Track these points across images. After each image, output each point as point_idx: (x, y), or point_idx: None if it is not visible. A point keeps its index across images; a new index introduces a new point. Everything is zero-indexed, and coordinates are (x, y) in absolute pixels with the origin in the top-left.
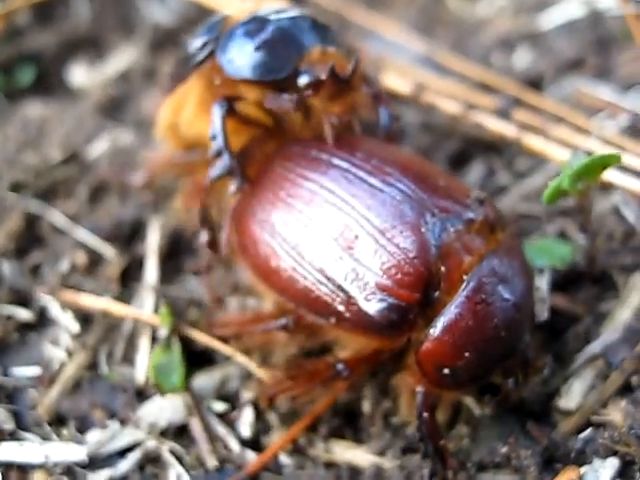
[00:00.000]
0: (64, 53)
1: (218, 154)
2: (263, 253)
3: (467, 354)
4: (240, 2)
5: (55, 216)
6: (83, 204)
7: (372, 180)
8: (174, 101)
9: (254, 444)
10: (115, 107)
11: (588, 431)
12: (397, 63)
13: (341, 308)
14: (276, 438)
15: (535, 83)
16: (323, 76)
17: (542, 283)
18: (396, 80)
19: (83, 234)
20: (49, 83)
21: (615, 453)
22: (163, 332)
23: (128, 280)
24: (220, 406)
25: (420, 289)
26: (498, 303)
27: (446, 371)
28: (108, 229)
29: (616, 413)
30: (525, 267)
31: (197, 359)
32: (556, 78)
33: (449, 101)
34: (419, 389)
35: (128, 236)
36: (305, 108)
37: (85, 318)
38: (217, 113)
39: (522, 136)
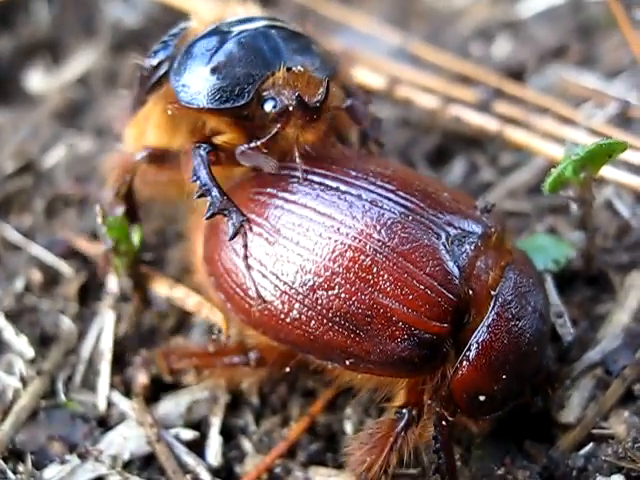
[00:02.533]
0: (22, 58)
1: (205, 193)
2: (254, 297)
3: (504, 376)
4: (205, 2)
5: (8, 231)
6: (39, 217)
7: (376, 199)
8: (136, 125)
9: (227, 474)
10: (74, 113)
11: (589, 446)
12: (370, 57)
13: (359, 350)
14: (250, 467)
15: (516, 73)
16: (290, 103)
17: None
18: (369, 75)
19: (38, 250)
20: (5, 89)
21: (620, 470)
22: None
23: (88, 299)
24: (188, 434)
25: (451, 319)
26: (528, 316)
27: (482, 398)
28: (66, 244)
29: (619, 425)
30: (538, 274)
31: (163, 384)
32: (538, 67)
33: (426, 95)
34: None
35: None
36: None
37: (42, 341)
38: (199, 159)
39: (504, 129)
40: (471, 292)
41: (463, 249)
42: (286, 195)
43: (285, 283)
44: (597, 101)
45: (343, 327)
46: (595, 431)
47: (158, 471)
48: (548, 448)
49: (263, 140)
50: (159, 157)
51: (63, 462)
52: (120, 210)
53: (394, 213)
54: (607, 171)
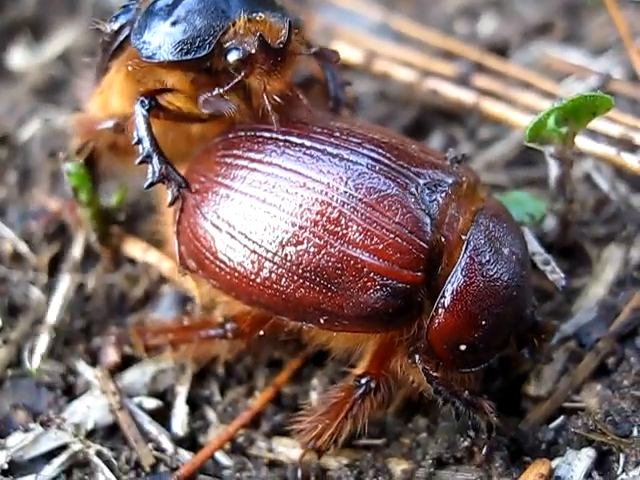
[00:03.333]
0: (6, 36)
1: (146, 160)
2: (224, 259)
3: (483, 322)
4: None
5: None
6: (12, 190)
7: (342, 153)
8: (101, 93)
9: (191, 443)
10: (53, 89)
11: (560, 419)
12: (350, 32)
13: (333, 305)
14: (214, 437)
15: (500, 50)
16: (252, 49)
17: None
18: (348, 49)
19: (10, 222)
20: None
21: (590, 443)
22: None
23: (59, 270)
24: (152, 403)
25: (424, 266)
26: (503, 260)
27: (463, 347)
28: (38, 215)
29: (590, 398)
30: (514, 222)
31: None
32: (522, 44)
33: (404, 69)
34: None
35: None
36: (240, 88)
37: (10, 312)
38: (139, 112)
39: (481, 102)
40: (443, 239)
41: (433, 197)
42: (251, 155)
43: (254, 242)
44: (579, 75)
45: (314, 282)
46: (566, 404)
47: (121, 440)
48: (518, 421)
49: (227, 88)
50: (123, 128)
51: (27, 430)
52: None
53: (360, 165)
54: (587, 144)
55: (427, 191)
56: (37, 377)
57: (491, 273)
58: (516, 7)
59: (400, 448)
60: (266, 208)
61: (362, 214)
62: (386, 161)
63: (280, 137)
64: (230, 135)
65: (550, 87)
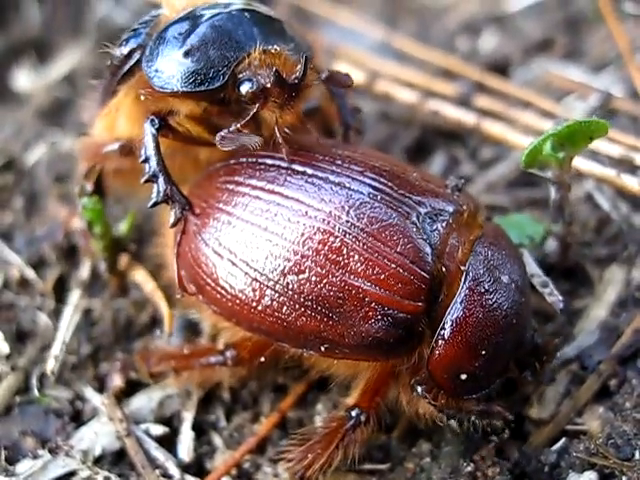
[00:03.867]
0: (11, 57)
1: (152, 179)
2: (225, 285)
3: (483, 352)
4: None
5: None
6: (18, 215)
7: (344, 181)
8: (107, 116)
9: (197, 469)
10: (58, 111)
11: (562, 442)
12: (352, 52)
13: (334, 334)
14: (220, 462)
15: (501, 67)
16: (267, 82)
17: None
18: (350, 69)
19: (17, 248)
20: None
21: (593, 466)
22: None
23: (66, 295)
24: (158, 429)
25: (425, 296)
26: (502, 288)
27: (463, 377)
28: (45, 241)
29: (593, 421)
30: (513, 246)
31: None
32: (524, 61)
33: (405, 89)
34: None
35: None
36: (252, 119)
37: (18, 338)
38: (148, 131)
39: (482, 123)
40: (444, 269)
41: (434, 227)
42: (253, 182)
43: (255, 270)
44: (580, 93)
45: (316, 311)
46: (569, 427)
47: (129, 466)
48: (521, 444)
49: (242, 122)
50: (130, 149)
51: (35, 457)
52: (88, 188)
53: (362, 194)
54: (587, 165)
55: (428, 220)
56: (45, 403)
57: (490, 303)
58: (517, 22)
59: (404, 473)
60: (268, 236)
61: (364, 244)
62: (388, 190)
63: (282, 165)
64: (232, 161)
65: (550, 106)
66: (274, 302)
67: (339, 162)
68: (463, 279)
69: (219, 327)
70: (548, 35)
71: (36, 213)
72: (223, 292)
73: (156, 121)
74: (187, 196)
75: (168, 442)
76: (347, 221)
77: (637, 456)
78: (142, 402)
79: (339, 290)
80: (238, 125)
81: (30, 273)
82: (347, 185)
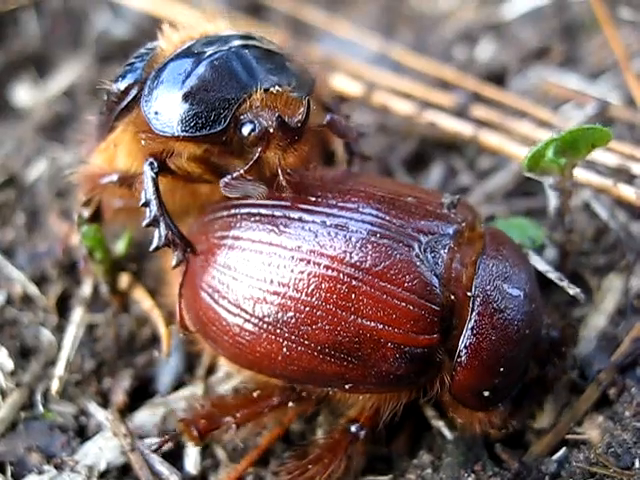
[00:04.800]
0: (10, 72)
1: (153, 224)
2: (241, 341)
3: (502, 369)
4: (191, 13)
5: None
6: (20, 231)
7: (340, 222)
8: (105, 151)
9: None
10: (58, 126)
11: (562, 451)
12: (349, 63)
13: (356, 375)
14: (223, 475)
15: (498, 76)
16: (270, 126)
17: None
18: (347, 81)
19: (19, 264)
20: None
21: (593, 475)
22: None
23: (68, 310)
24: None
25: (438, 328)
26: (511, 302)
27: (486, 394)
28: (47, 257)
29: (593, 430)
30: (515, 250)
31: (140, 393)
32: (521, 69)
33: (402, 101)
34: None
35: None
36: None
37: (22, 354)
38: (148, 175)
39: (479, 134)
40: (453, 297)
41: (438, 255)
42: (251, 235)
43: (269, 324)
44: (577, 102)
45: (334, 357)
46: (569, 436)
47: None
48: (521, 454)
49: (246, 168)
50: (130, 181)
51: (41, 472)
52: (86, 214)
53: (361, 233)
54: (584, 174)
55: (430, 249)
56: (50, 419)
57: (501, 322)
58: (514, 31)
59: None
60: (275, 289)
61: (371, 286)
62: (386, 224)
63: (277, 214)
64: (225, 213)
65: (547, 116)
66: (292, 352)
67: (333, 202)
68: (471, 305)
69: (241, 374)
70: (545, 43)
71: (38, 229)
72: (241, 347)
73: (155, 164)
74: (188, 238)
75: (172, 456)
76: (351, 265)
77: (637, 465)
78: (146, 417)
79: (354, 335)
80: (242, 171)
81: (33, 289)
82: (345, 226)
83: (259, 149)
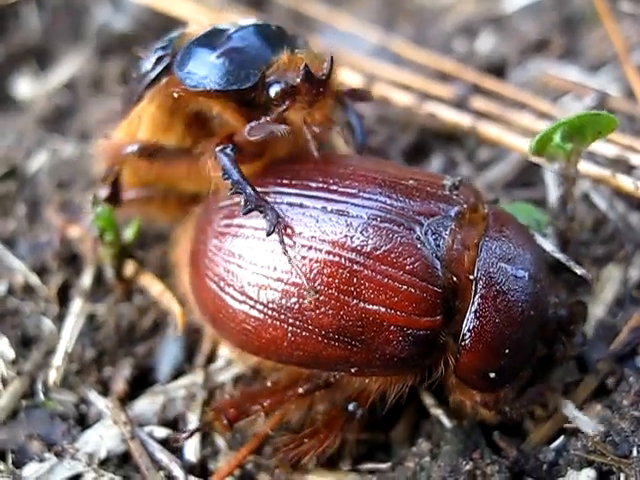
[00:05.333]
0: (11, 65)
1: (256, 209)
2: (247, 327)
3: (507, 350)
4: (196, 7)
5: None
6: (21, 222)
7: (341, 208)
8: (129, 124)
9: (201, 471)
10: (59, 118)
11: (560, 440)
12: (350, 56)
13: (360, 359)
14: (223, 463)
15: (498, 68)
16: (297, 80)
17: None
18: (348, 73)
19: (20, 254)
20: None
21: (591, 463)
22: None
23: (70, 300)
24: (162, 432)
25: (440, 310)
26: (515, 285)
27: (492, 375)
28: (47, 247)
29: (591, 419)
30: (520, 228)
31: (141, 382)
32: (520, 61)
33: (402, 92)
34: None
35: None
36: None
37: (23, 343)
38: (226, 160)
39: (478, 125)
40: (455, 278)
41: (439, 237)
42: (254, 223)
43: (273, 310)
44: (577, 94)
45: (338, 341)
46: (567, 425)
47: (133, 468)
48: (520, 442)
49: (272, 116)
50: (150, 151)
51: (42, 460)
52: (104, 193)
53: (362, 218)
54: (583, 165)
55: (431, 232)
56: (50, 407)
57: (505, 304)
58: (514, 23)
59: (405, 472)
60: (278, 276)
61: (372, 270)
62: (387, 207)
63: (278, 200)
64: (228, 202)
65: (546, 107)
66: (297, 337)
67: (333, 187)
68: (473, 288)
69: (248, 361)
70: (545, 35)
71: (38, 220)
72: (248, 334)
73: (229, 148)
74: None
75: (172, 444)
76: (352, 250)
77: (635, 453)
78: (146, 405)
79: (357, 319)
80: (267, 118)
81: (34, 279)
82: (346, 212)
83: (286, 103)
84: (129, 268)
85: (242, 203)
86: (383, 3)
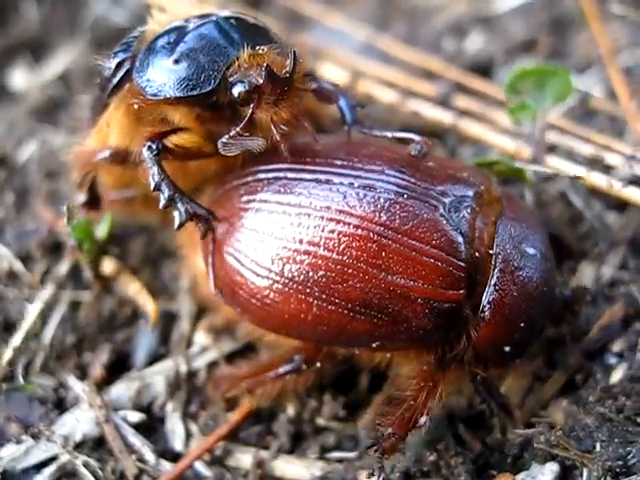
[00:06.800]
0: (8, 57)
1: (170, 204)
2: (270, 303)
3: (522, 324)
4: (189, 2)
5: None
6: (9, 210)
7: (369, 184)
8: (99, 131)
9: (173, 455)
10: (51, 109)
11: (526, 434)
12: (337, 52)
13: (385, 332)
14: (193, 447)
15: (484, 67)
16: (260, 80)
17: None
18: (334, 70)
19: (6, 241)
20: None
21: (555, 457)
22: None
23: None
24: (136, 416)
25: (464, 284)
26: (529, 261)
27: (507, 349)
28: (33, 235)
29: (557, 414)
30: (530, 211)
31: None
32: (507, 61)
33: (386, 89)
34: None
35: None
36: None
37: (6, 328)
38: (149, 158)
39: (460, 123)
40: (477, 254)
41: (461, 215)
42: (279, 198)
43: (299, 284)
44: None
45: (364, 314)
46: (533, 419)
47: (107, 452)
48: (486, 436)
49: (241, 125)
50: (121, 157)
51: (19, 442)
52: (81, 199)
53: (389, 194)
54: (559, 163)
55: (454, 209)
56: (30, 391)
57: (521, 279)
58: (504, 23)
59: (371, 461)
60: (305, 249)
61: (400, 244)
62: (412, 186)
63: (305, 177)
64: (250, 179)
65: None
66: (322, 311)
67: (359, 165)
68: (493, 262)
69: (266, 340)
70: (533, 36)
71: (26, 208)
72: (270, 310)
73: (154, 146)
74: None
75: (145, 429)
76: (380, 224)
77: (598, 448)
78: (122, 390)
79: (384, 292)
80: (238, 129)
81: (19, 266)
82: (373, 187)
83: (251, 106)
84: (107, 265)
85: (160, 200)
86: (378, 2)
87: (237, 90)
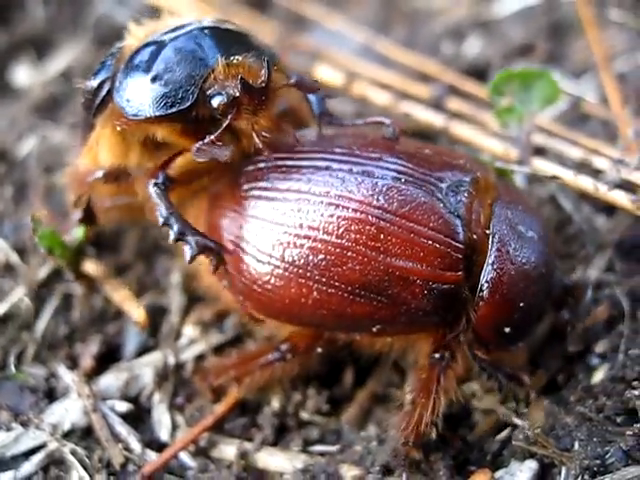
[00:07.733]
0: (12, 54)
1: (180, 237)
2: (270, 288)
3: (521, 304)
4: (193, 3)
5: None
6: (7, 203)
7: (367, 170)
8: (89, 150)
9: (159, 445)
10: (53, 106)
11: (506, 432)
12: (334, 54)
13: (385, 315)
14: (179, 437)
15: (481, 70)
16: (236, 92)
17: None
18: (330, 71)
19: (4, 234)
20: None
21: (533, 455)
22: None
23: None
24: (123, 406)
25: (463, 265)
26: (527, 242)
27: (507, 330)
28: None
29: (537, 412)
30: (527, 199)
31: (108, 358)
32: (503, 65)
33: (380, 91)
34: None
35: None
36: (229, 131)
37: (1, 319)
38: (156, 194)
39: (451, 125)
40: (475, 236)
41: (458, 198)
42: (279, 185)
43: (300, 268)
44: None
45: (365, 297)
46: (514, 418)
47: (95, 441)
48: (467, 433)
49: (217, 134)
50: (115, 175)
51: (9, 430)
52: (78, 215)
53: (386, 179)
54: (547, 166)
55: (451, 193)
56: (21, 380)
57: (518, 259)
58: (503, 28)
59: (352, 455)
60: (305, 234)
61: (399, 226)
62: (409, 171)
63: (304, 164)
64: (250, 168)
65: None
66: (323, 295)
67: (357, 152)
68: (490, 242)
69: (268, 327)
70: (531, 41)
71: (24, 202)
72: (270, 295)
73: (159, 182)
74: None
75: (134, 419)
76: (379, 207)
77: (576, 447)
78: (111, 380)
79: (384, 274)
80: (212, 137)
81: (15, 258)
82: (371, 173)
83: (229, 117)
84: (92, 267)
85: (170, 235)
86: (380, 5)
87: (215, 102)
